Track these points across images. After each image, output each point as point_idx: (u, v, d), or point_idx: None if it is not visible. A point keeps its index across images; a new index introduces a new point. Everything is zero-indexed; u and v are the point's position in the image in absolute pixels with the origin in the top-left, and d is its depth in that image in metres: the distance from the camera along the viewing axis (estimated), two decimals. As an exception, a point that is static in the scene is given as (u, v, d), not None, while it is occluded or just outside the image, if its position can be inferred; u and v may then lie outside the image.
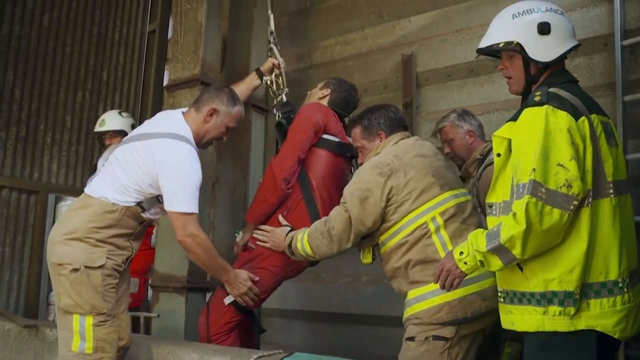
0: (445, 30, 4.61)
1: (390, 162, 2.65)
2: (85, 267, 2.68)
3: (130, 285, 3.12)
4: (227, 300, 3.14)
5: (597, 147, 2.08)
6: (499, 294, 2.22)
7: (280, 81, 3.71)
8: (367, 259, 2.85)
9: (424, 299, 2.54)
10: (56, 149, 5.97)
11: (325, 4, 5.32)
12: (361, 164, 2.88)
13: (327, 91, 3.46)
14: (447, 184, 2.68)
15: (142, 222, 2.91)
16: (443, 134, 3.47)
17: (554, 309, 2.00)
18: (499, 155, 2.18)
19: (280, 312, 5.07)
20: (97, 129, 5.16)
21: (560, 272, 2.01)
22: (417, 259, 2.58)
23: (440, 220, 2.58)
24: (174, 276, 3.94)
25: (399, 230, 2.63)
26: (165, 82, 5.85)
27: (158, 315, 4.03)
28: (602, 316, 2.01)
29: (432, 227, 2.58)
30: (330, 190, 3.20)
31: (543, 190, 1.94)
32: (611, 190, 2.08)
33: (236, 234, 3.40)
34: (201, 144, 3.03)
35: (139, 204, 2.84)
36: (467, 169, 3.38)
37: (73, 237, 2.71)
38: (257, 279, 3.12)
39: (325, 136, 3.24)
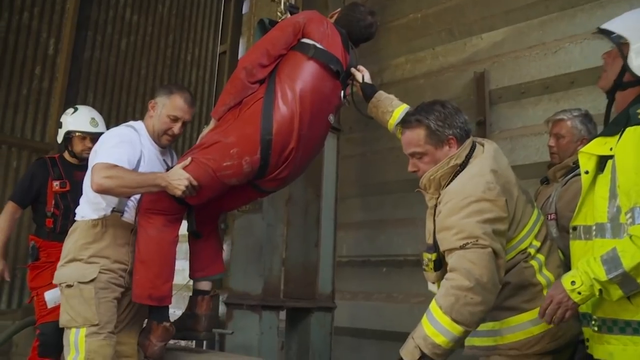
0: (518, 47, 4.53)
1: (496, 180, 2.22)
2: (78, 282, 2.88)
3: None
4: None
5: None
6: (593, 321, 2.10)
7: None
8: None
9: (521, 329, 2.30)
10: (133, 168, 6.15)
11: (395, 23, 5.33)
12: (415, 171, 2.46)
13: (337, 10, 3.31)
14: (530, 198, 2.44)
15: (132, 230, 3.02)
16: (557, 126, 3.17)
17: None
18: (587, 172, 2.08)
19: (351, 330, 5.05)
20: (92, 129, 4.17)
21: None
22: (515, 282, 2.30)
23: (537, 243, 2.35)
24: (248, 294, 3.98)
25: None
26: (236, 102, 5.96)
27: (232, 332, 4.07)
28: None
29: (531, 251, 2.33)
30: (292, 95, 2.88)
31: None
32: None
33: (205, 126, 3.19)
34: (157, 138, 3.11)
35: (114, 210, 2.99)
36: (554, 173, 3.17)
37: (68, 259, 2.97)
38: (187, 162, 2.84)
39: (304, 40, 2.99)
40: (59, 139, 4.22)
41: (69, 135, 4.15)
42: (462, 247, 2.09)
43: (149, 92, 6.56)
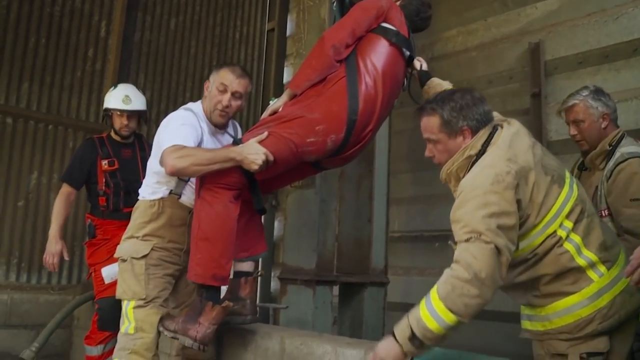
0: (575, 15, 4.40)
1: (509, 170, 2.15)
2: (132, 257, 2.99)
3: None
4: None
5: None
6: None
7: None
8: None
9: (569, 312, 2.23)
10: (184, 146, 6.24)
11: (446, -6, 5.24)
12: (431, 157, 2.46)
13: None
14: (559, 176, 2.30)
15: (190, 212, 3.02)
16: (572, 113, 3.07)
17: None
18: None
19: (403, 306, 5.03)
20: (124, 106, 4.21)
21: None
22: (553, 272, 2.22)
23: (569, 224, 2.23)
24: (302, 268, 4.00)
25: (521, 245, 2.21)
26: (285, 79, 5.98)
27: (287, 307, 4.11)
28: None
29: (562, 233, 2.21)
30: (376, 77, 2.89)
31: None
32: None
33: (270, 100, 3.09)
34: (212, 118, 3.08)
35: (171, 192, 3.05)
36: (593, 161, 3.03)
37: (127, 236, 3.10)
38: (264, 136, 2.73)
39: (385, 24, 3.00)
40: (102, 118, 4.40)
41: (106, 112, 4.28)
42: (467, 241, 2.06)
43: (199, 71, 6.64)
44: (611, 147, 2.94)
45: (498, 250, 2.03)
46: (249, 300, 3.05)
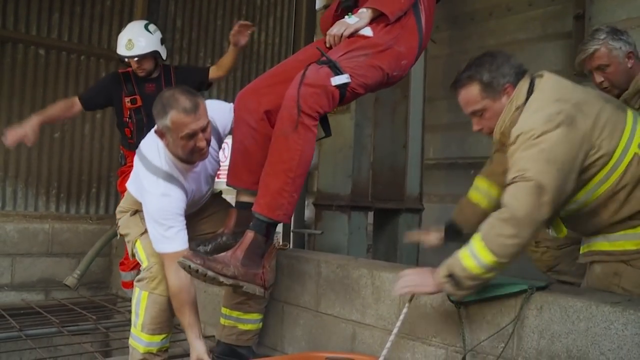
0: None
1: (560, 110, 2.04)
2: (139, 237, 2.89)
3: None
4: (335, 80, 2.46)
5: None
6: None
7: None
8: (562, 232, 2.32)
9: None
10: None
11: None
12: (480, 129, 2.31)
13: None
14: (619, 104, 2.23)
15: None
16: (594, 60, 2.75)
17: None
18: None
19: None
20: (126, 52, 4.10)
21: None
22: None
23: None
24: (337, 194, 4.02)
25: (608, 175, 2.11)
26: (317, 5, 5.85)
27: (322, 232, 4.14)
28: None
29: None
30: (428, 12, 2.81)
31: None
32: None
33: (348, 16, 2.72)
34: (193, 160, 2.69)
35: None
36: (627, 102, 2.75)
37: (122, 209, 3.01)
38: (360, 62, 2.57)
39: None
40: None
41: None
42: (511, 182, 1.98)
43: (230, -1, 6.55)
44: None
45: (540, 188, 1.93)
46: None
